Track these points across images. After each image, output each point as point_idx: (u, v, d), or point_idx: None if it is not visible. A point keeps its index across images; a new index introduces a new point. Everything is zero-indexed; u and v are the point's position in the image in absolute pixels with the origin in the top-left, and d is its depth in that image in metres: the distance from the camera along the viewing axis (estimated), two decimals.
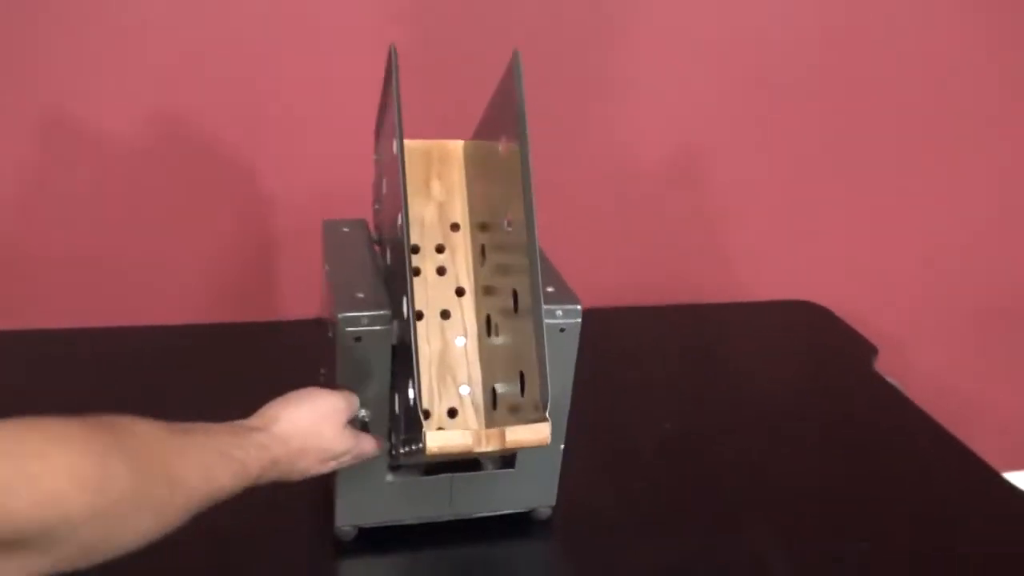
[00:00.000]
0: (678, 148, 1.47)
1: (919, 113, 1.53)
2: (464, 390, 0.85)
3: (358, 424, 0.83)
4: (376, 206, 0.97)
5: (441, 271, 0.89)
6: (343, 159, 1.16)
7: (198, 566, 0.85)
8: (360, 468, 0.84)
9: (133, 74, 1.22)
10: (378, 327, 0.81)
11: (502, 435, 0.72)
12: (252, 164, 1.31)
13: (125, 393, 1.13)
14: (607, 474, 1.09)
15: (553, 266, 0.93)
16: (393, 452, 0.85)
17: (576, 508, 0.99)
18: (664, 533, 1.01)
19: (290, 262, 1.38)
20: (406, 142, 0.82)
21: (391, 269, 0.86)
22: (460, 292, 0.88)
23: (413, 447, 0.76)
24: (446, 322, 0.87)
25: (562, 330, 0.86)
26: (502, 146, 0.82)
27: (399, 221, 0.78)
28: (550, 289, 0.87)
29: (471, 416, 0.85)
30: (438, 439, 0.71)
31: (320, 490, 0.90)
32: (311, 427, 0.75)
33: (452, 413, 0.85)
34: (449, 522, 0.94)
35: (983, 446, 1.22)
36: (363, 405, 0.84)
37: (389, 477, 0.90)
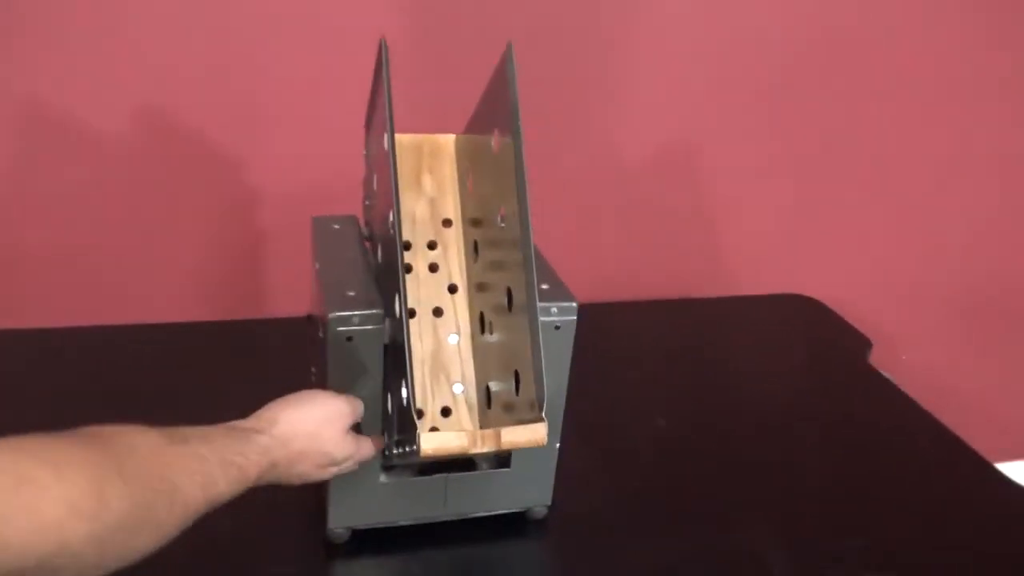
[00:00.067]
0: (672, 143, 1.46)
1: (914, 108, 1.53)
2: (458, 388, 0.84)
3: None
4: (367, 202, 0.95)
5: (433, 268, 0.87)
6: (333, 154, 1.14)
7: (186, 570, 0.83)
8: None
9: (119, 68, 1.20)
10: (370, 326, 0.79)
11: (498, 436, 0.71)
12: (240, 160, 1.29)
13: (116, 392, 1.13)
14: (602, 472, 1.08)
15: (547, 262, 0.92)
16: (387, 452, 0.84)
17: (572, 507, 0.98)
18: (661, 532, 0.99)
19: (280, 259, 1.37)
20: (397, 136, 0.80)
21: (382, 266, 0.84)
22: (453, 289, 0.87)
23: (407, 448, 0.74)
24: (439, 320, 0.86)
25: (557, 328, 0.84)
26: (495, 140, 0.80)
27: (391, 217, 0.76)
28: (545, 286, 0.85)
29: (465, 415, 0.84)
30: (432, 441, 0.70)
31: (312, 492, 0.88)
32: (312, 430, 0.74)
33: (446, 412, 0.83)
34: (444, 523, 0.93)
35: (972, 436, 1.22)
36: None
37: (382, 478, 0.88)
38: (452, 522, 0.93)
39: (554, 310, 0.84)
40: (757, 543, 0.98)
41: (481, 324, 0.84)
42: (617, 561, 0.94)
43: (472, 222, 0.87)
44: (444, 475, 0.89)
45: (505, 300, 0.78)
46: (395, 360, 0.79)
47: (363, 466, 0.82)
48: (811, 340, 1.49)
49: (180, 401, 1.12)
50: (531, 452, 0.84)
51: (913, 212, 1.63)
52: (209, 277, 1.36)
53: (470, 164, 0.88)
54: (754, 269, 1.60)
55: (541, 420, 0.71)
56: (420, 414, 0.81)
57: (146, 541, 0.55)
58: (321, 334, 0.82)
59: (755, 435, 1.19)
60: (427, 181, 0.90)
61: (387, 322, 0.80)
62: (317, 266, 0.88)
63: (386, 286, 0.81)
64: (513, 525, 0.95)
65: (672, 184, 1.49)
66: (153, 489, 0.55)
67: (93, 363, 1.21)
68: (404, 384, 0.73)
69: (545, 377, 0.72)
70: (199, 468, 0.61)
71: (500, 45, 0.77)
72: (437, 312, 0.86)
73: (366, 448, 0.80)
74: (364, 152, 0.94)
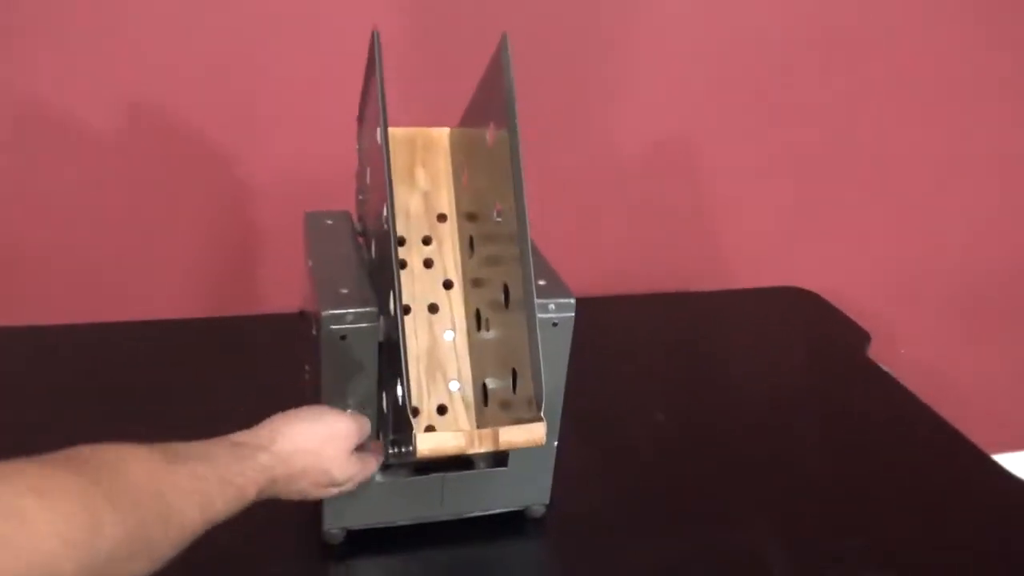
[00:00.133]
0: (669, 136, 1.45)
1: (914, 104, 1.52)
2: (454, 386, 0.83)
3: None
4: (360, 197, 0.94)
5: (428, 263, 0.86)
6: (326, 149, 1.13)
7: (179, 571, 0.81)
8: None
9: (111, 65, 1.18)
10: (364, 324, 0.78)
11: (495, 435, 0.69)
12: (232, 155, 1.28)
13: (110, 389, 1.13)
14: (601, 470, 1.07)
15: (544, 258, 0.90)
16: (383, 458, 0.82)
17: (570, 506, 0.97)
18: (660, 530, 0.98)
19: (272, 255, 1.36)
20: (390, 129, 0.79)
21: (376, 262, 0.83)
22: (448, 285, 0.85)
23: (403, 449, 0.73)
24: (434, 316, 0.84)
25: (555, 324, 0.83)
26: (490, 133, 0.79)
27: (384, 212, 0.75)
28: (542, 282, 0.84)
29: (461, 413, 0.82)
30: (429, 441, 0.68)
31: None
32: (315, 448, 0.72)
33: (442, 410, 0.82)
34: (440, 522, 0.92)
35: (971, 427, 1.21)
36: (349, 405, 0.81)
37: (378, 477, 0.87)
38: (449, 522, 0.92)
39: (552, 306, 0.82)
40: (757, 541, 0.97)
41: (477, 320, 0.83)
42: (616, 560, 0.93)
43: (467, 216, 0.86)
44: (441, 474, 0.88)
45: (501, 296, 0.77)
46: (390, 358, 0.77)
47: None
48: (809, 333, 1.48)
49: (174, 398, 1.12)
50: (529, 451, 0.82)
51: (912, 205, 1.62)
52: (202, 273, 1.35)
53: (465, 158, 0.86)
54: (751, 262, 1.59)
55: (539, 419, 0.70)
56: (416, 412, 0.80)
57: (141, 567, 0.53)
58: (314, 332, 0.81)
59: (754, 430, 1.18)
60: (421, 175, 0.88)
61: (382, 320, 0.78)
62: (310, 263, 0.87)
63: (380, 282, 0.80)
64: (511, 524, 0.94)
65: (669, 177, 1.48)
66: (148, 515, 0.53)
67: (87, 360, 1.20)
68: (399, 383, 0.72)
69: (543, 375, 0.70)
70: (197, 489, 0.59)
71: (495, 37, 0.76)
72: (432, 308, 0.84)
73: (369, 468, 0.78)
74: (357, 146, 0.92)
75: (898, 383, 1.31)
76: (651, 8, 1.33)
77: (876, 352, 1.42)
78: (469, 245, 0.84)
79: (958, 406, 1.32)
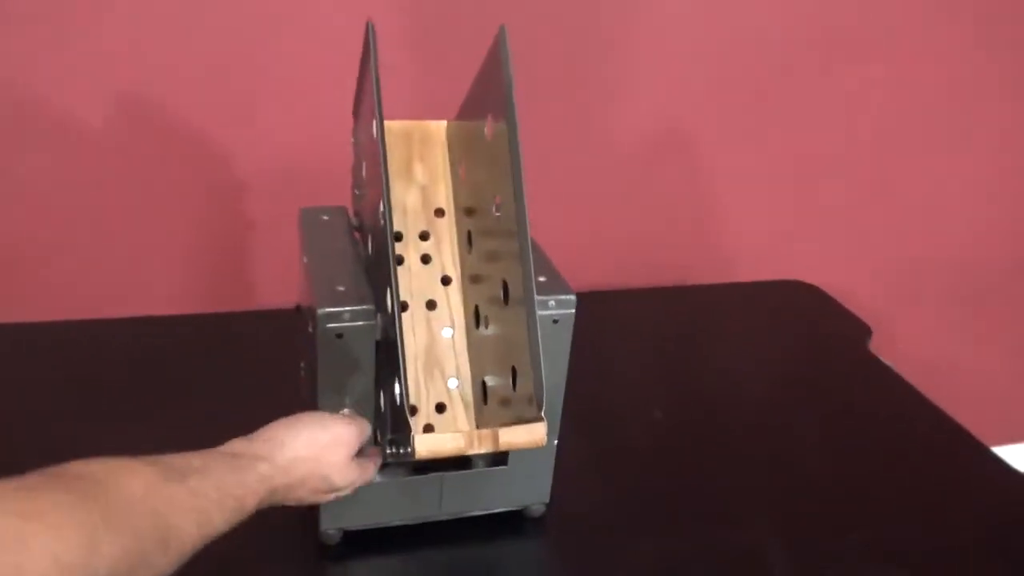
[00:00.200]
0: (667, 128, 1.44)
1: (912, 96, 1.51)
2: (452, 383, 0.82)
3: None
4: (356, 191, 0.92)
5: (426, 259, 0.85)
6: (321, 142, 1.11)
7: (175, 572, 0.80)
8: None
9: (100, 58, 1.16)
10: (361, 322, 0.77)
11: (495, 436, 0.68)
12: (225, 149, 1.26)
13: (103, 386, 1.11)
14: (600, 468, 1.06)
15: (544, 253, 0.89)
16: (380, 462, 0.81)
17: (570, 504, 0.96)
18: (660, 529, 0.97)
19: (268, 250, 1.34)
20: (385, 123, 0.77)
21: (373, 258, 0.81)
22: (446, 281, 0.84)
23: (401, 449, 0.72)
24: (432, 313, 0.83)
25: (555, 321, 0.82)
26: (488, 126, 0.77)
27: (381, 208, 0.73)
28: (542, 279, 0.83)
29: (460, 411, 0.81)
30: (427, 443, 0.67)
31: None
32: (316, 456, 0.71)
33: (440, 408, 0.81)
34: (439, 522, 0.91)
35: (972, 419, 1.21)
36: (346, 404, 0.79)
37: (376, 477, 0.85)
38: (447, 521, 0.91)
39: (552, 303, 0.81)
40: (757, 540, 0.96)
41: (476, 317, 0.81)
42: (616, 559, 0.92)
43: (465, 211, 0.85)
44: (439, 474, 0.87)
45: (500, 292, 0.75)
46: (388, 356, 0.76)
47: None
48: (810, 327, 1.47)
49: (169, 395, 1.11)
50: (529, 449, 0.82)
51: (913, 198, 1.62)
52: (198, 269, 1.33)
53: (463, 151, 0.85)
54: (751, 255, 1.58)
55: (540, 419, 0.68)
56: (414, 410, 0.79)
57: None
58: (311, 329, 0.79)
59: (754, 426, 1.17)
60: (418, 169, 0.87)
61: (379, 317, 0.77)
62: (305, 259, 0.85)
63: (377, 279, 0.78)
64: (510, 524, 0.93)
65: (668, 169, 1.47)
66: (146, 534, 0.52)
67: (82, 357, 1.18)
68: (397, 381, 0.71)
69: (544, 373, 0.69)
70: (195, 505, 0.57)
71: (492, 29, 0.74)
72: (430, 305, 0.83)
73: (368, 473, 0.77)
74: (352, 140, 0.91)
75: (899, 377, 1.30)
76: (651, 2, 1.31)
77: (877, 346, 1.41)
78: (467, 240, 0.83)
79: (958, 398, 1.32)
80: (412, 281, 0.83)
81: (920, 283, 1.70)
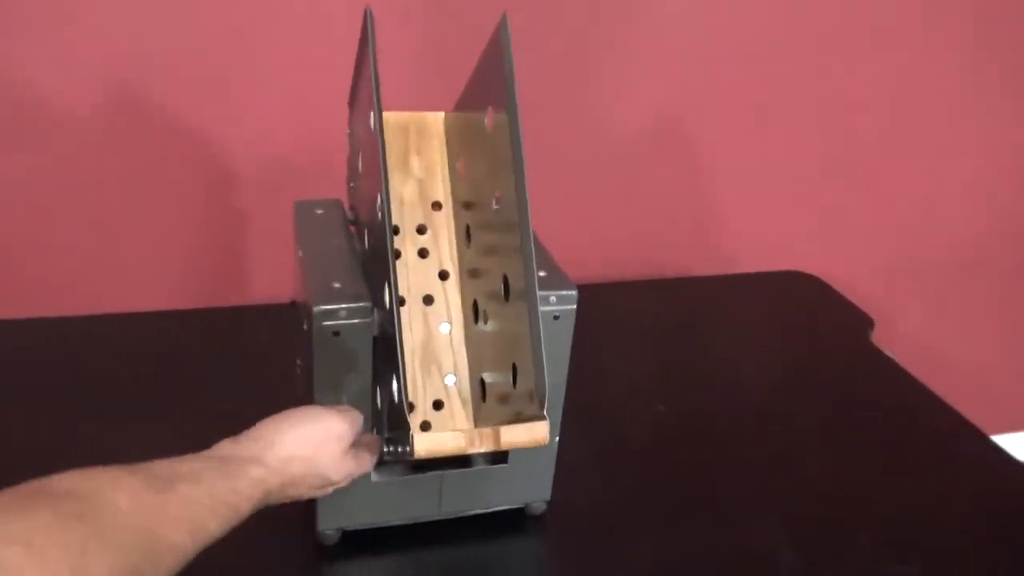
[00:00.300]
0: (668, 118, 1.42)
1: (910, 87, 1.50)
2: (450, 380, 0.80)
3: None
4: (351, 184, 0.90)
5: (423, 253, 0.83)
6: (315, 134, 1.10)
7: None
8: None
9: (86, 48, 1.14)
10: (357, 320, 0.75)
11: (496, 435, 0.67)
12: (217, 141, 1.24)
13: (95, 384, 1.10)
14: (602, 464, 1.04)
15: (544, 247, 0.87)
16: (380, 454, 0.79)
17: (571, 501, 0.94)
18: (662, 526, 0.96)
19: (263, 244, 1.33)
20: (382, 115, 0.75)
21: (369, 253, 0.80)
22: (444, 276, 0.83)
23: (400, 449, 0.70)
24: (429, 308, 0.81)
25: (556, 317, 0.80)
26: (488, 118, 0.75)
27: (378, 202, 0.71)
28: (543, 273, 0.81)
29: (458, 408, 0.79)
30: (427, 442, 0.65)
31: None
32: (310, 454, 0.68)
33: (438, 405, 0.79)
34: (438, 521, 0.89)
35: (973, 409, 1.21)
36: (343, 402, 0.78)
37: (374, 476, 0.84)
38: (447, 520, 0.89)
39: (553, 299, 0.80)
40: (759, 536, 0.95)
41: (474, 312, 0.80)
42: (618, 558, 0.91)
43: (464, 204, 0.83)
44: (439, 473, 0.85)
45: (500, 287, 0.74)
46: (385, 353, 0.74)
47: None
48: (812, 319, 1.46)
49: (163, 391, 1.09)
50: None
51: (914, 188, 1.61)
52: (190, 264, 1.32)
53: (461, 143, 0.83)
54: (752, 246, 1.57)
55: (542, 418, 0.67)
56: (411, 408, 0.77)
57: None
58: (306, 326, 0.78)
59: (756, 420, 1.16)
60: (415, 162, 0.85)
61: (376, 314, 0.75)
62: (300, 254, 0.84)
63: (374, 274, 0.77)
64: (511, 522, 0.92)
65: (669, 160, 1.45)
66: (137, 549, 0.50)
67: (74, 354, 1.17)
68: (395, 379, 0.69)
69: (545, 370, 0.68)
70: (187, 515, 0.55)
71: (492, 19, 0.72)
72: (427, 300, 0.81)
73: (364, 464, 0.75)
74: (348, 131, 0.89)
75: (902, 369, 1.29)
76: None
77: (879, 337, 1.40)
78: (466, 234, 0.81)
79: (959, 388, 1.31)
80: (409, 276, 0.81)
81: (921, 274, 1.69)
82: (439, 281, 0.82)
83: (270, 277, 1.33)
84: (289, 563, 0.87)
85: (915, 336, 1.70)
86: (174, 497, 0.55)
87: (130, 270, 1.29)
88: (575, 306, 0.81)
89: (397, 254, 0.81)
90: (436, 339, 0.80)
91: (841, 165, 1.55)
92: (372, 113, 0.72)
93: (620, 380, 1.21)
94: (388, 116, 0.82)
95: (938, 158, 1.59)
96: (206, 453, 0.64)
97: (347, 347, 0.76)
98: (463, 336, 0.81)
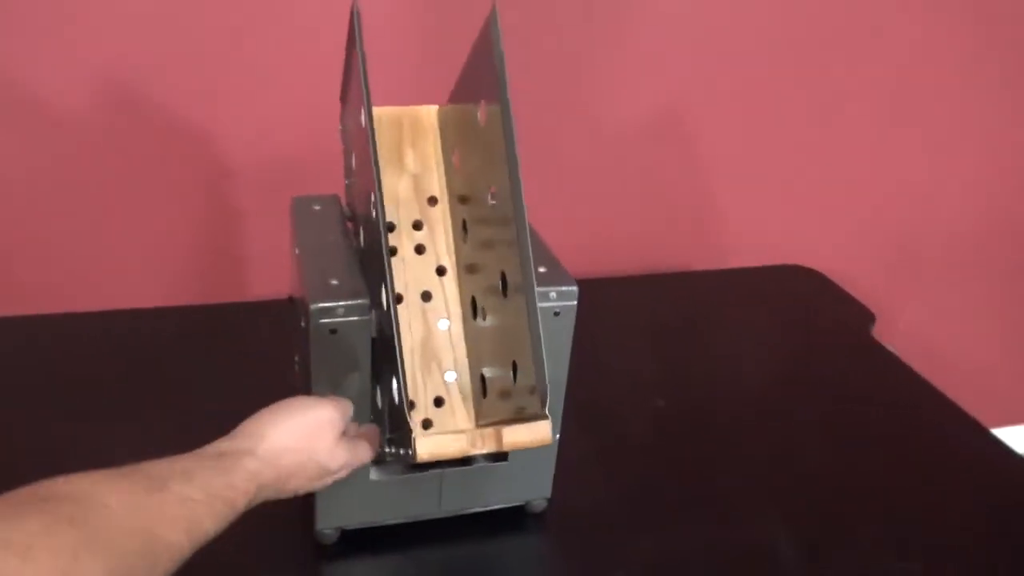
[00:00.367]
0: (666, 112, 1.41)
1: (908, 76, 1.50)
2: (450, 376, 0.79)
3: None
4: (347, 180, 0.90)
5: (420, 249, 0.82)
6: (312, 128, 1.08)
7: None
8: None
9: (80, 38, 1.13)
10: (355, 317, 0.74)
11: (499, 435, 0.66)
12: (213, 136, 1.23)
13: (92, 382, 1.09)
14: (602, 460, 1.04)
15: (543, 242, 0.86)
16: (378, 449, 0.79)
17: (572, 499, 0.94)
18: (664, 523, 0.95)
19: (261, 239, 1.32)
20: (374, 109, 0.74)
21: (366, 249, 0.79)
22: (441, 271, 0.82)
23: (401, 451, 0.69)
24: (427, 304, 0.81)
25: (556, 314, 0.79)
26: (481, 111, 0.74)
27: (372, 199, 0.70)
28: (542, 269, 0.80)
29: (459, 405, 0.79)
30: (429, 445, 0.65)
31: None
32: (302, 443, 0.68)
33: (439, 402, 0.78)
34: (438, 520, 0.88)
35: (974, 402, 1.20)
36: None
37: (373, 475, 0.83)
38: (447, 519, 0.88)
39: (553, 295, 0.79)
40: (761, 531, 0.95)
41: (473, 308, 0.79)
42: (619, 554, 0.90)
43: (460, 199, 0.82)
44: (439, 471, 0.85)
45: (498, 282, 0.73)
46: (383, 351, 0.74)
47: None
48: (812, 313, 1.45)
49: (158, 389, 1.08)
50: None
51: (914, 181, 1.60)
52: (188, 261, 1.31)
53: (456, 137, 0.82)
54: (752, 240, 1.57)
55: (544, 417, 0.66)
56: (412, 405, 0.76)
57: None
58: (303, 324, 0.77)
59: (756, 416, 1.15)
60: (409, 156, 0.84)
61: (373, 313, 0.74)
62: (297, 251, 0.83)
63: (371, 270, 0.76)
64: (511, 520, 0.91)
65: (667, 154, 1.44)
66: (132, 552, 0.49)
67: (69, 351, 1.16)
68: (395, 378, 0.68)
69: (546, 367, 0.67)
70: (182, 514, 0.54)
71: (484, 10, 0.72)
72: (426, 296, 0.81)
73: (362, 453, 0.74)
74: (340, 127, 0.88)
75: (903, 363, 1.28)
76: None
77: (879, 332, 1.39)
78: (463, 229, 0.81)
79: (960, 382, 1.30)
80: (406, 272, 0.80)
81: (921, 268, 1.69)
82: (437, 277, 0.81)
83: (269, 273, 1.32)
84: (288, 562, 0.86)
85: (915, 330, 1.69)
86: (167, 496, 0.54)
87: (128, 267, 1.28)
88: (576, 302, 0.80)
89: (394, 251, 0.80)
90: (435, 336, 0.80)
91: (841, 158, 1.54)
92: (362, 110, 0.71)
93: (619, 376, 1.20)
94: (381, 111, 0.81)
95: (938, 151, 1.58)
96: (198, 451, 0.63)
97: (345, 345, 0.75)
98: (462, 332, 0.80)
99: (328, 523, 0.85)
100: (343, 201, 0.92)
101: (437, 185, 0.84)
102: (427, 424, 0.77)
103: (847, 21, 1.42)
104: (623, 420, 1.11)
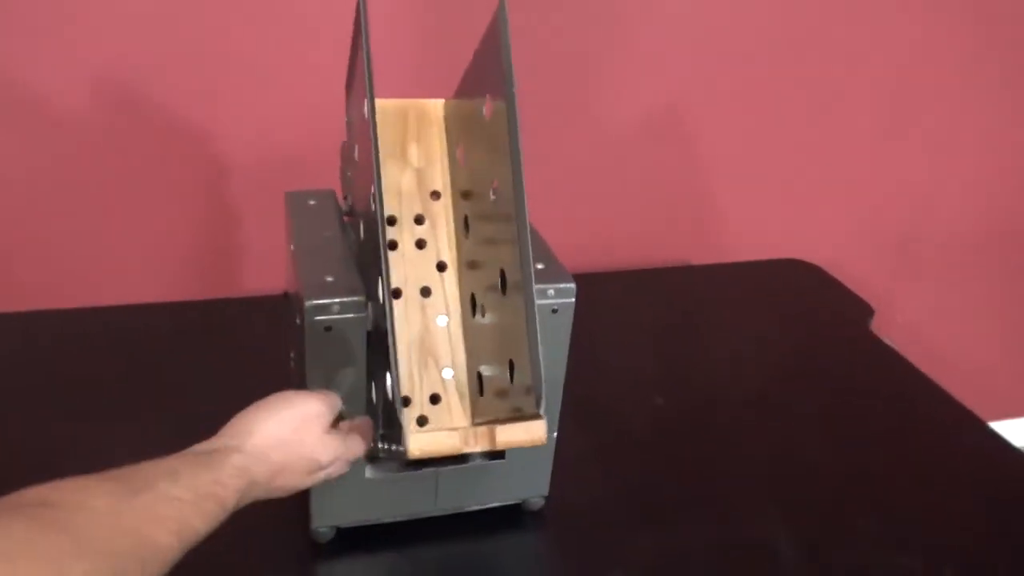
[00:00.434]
0: (666, 108, 1.41)
1: (908, 74, 1.49)
2: (447, 373, 0.78)
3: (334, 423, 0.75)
4: (348, 173, 0.88)
5: (421, 244, 0.81)
6: (307, 121, 1.07)
7: None
8: None
9: (73, 33, 1.12)
10: (350, 314, 0.73)
11: (492, 434, 0.65)
12: (206, 129, 1.22)
13: (87, 378, 1.08)
14: (600, 458, 1.03)
15: (543, 239, 0.85)
16: (371, 443, 0.78)
17: (570, 496, 0.93)
18: (663, 520, 0.95)
19: (256, 234, 1.31)
20: (379, 101, 0.73)
21: (364, 244, 0.78)
22: (441, 267, 0.81)
23: (394, 447, 0.68)
24: (426, 300, 0.80)
25: (555, 311, 0.78)
26: (487, 106, 0.73)
27: (372, 190, 0.69)
28: (540, 266, 0.79)
29: (455, 402, 0.78)
30: (421, 442, 0.64)
31: None
32: (291, 438, 0.67)
33: (435, 399, 0.77)
34: (434, 517, 0.88)
35: (974, 395, 1.21)
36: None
37: (368, 472, 0.82)
38: (443, 517, 0.88)
39: (551, 292, 0.78)
40: (761, 528, 0.94)
41: (472, 305, 0.78)
42: (618, 552, 0.90)
43: (463, 194, 0.81)
44: (435, 469, 0.84)
45: (498, 280, 0.72)
46: (379, 347, 0.73)
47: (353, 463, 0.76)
48: (811, 307, 1.45)
49: (152, 386, 1.07)
50: None
51: (912, 177, 1.60)
52: (183, 256, 1.30)
53: (461, 132, 0.81)
54: (750, 234, 1.56)
55: (539, 417, 0.65)
56: (407, 401, 0.75)
57: None
58: (298, 321, 0.76)
59: (755, 411, 1.14)
60: (413, 150, 0.83)
61: (370, 307, 0.73)
62: (292, 247, 0.82)
63: (369, 265, 0.75)
64: (508, 518, 0.90)
65: (667, 149, 1.44)
66: (121, 555, 0.48)
67: (64, 347, 1.14)
68: (389, 376, 0.67)
69: (542, 365, 0.66)
70: (170, 514, 0.54)
71: (492, 3, 0.70)
72: (425, 292, 0.79)
73: (355, 445, 0.73)
74: (346, 118, 0.87)
75: (902, 358, 1.28)
76: None
77: (878, 326, 1.39)
78: (464, 225, 0.79)
79: (958, 376, 1.30)
80: (406, 267, 0.79)
81: (920, 263, 1.69)
82: (437, 273, 0.80)
83: (265, 268, 1.31)
84: (284, 561, 0.85)
85: (914, 324, 1.69)
86: (154, 497, 0.54)
87: (126, 263, 1.28)
88: (574, 299, 0.79)
89: (394, 245, 0.79)
90: (434, 332, 0.78)
91: (840, 154, 1.53)
92: (366, 101, 0.70)
93: (618, 372, 1.19)
94: (386, 103, 0.80)
95: (937, 148, 1.58)
96: (185, 451, 0.62)
97: (340, 342, 0.74)
98: (461, 329, 0.79)
99: (324, 521, 0.84)
100: (340, 195, 0.91)
101: (440, 179, 0.83)
102: (423, 421, 0.76)
103: (848, 21, 1.41)
104: (621, 417, 1.10)
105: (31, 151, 1.17)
